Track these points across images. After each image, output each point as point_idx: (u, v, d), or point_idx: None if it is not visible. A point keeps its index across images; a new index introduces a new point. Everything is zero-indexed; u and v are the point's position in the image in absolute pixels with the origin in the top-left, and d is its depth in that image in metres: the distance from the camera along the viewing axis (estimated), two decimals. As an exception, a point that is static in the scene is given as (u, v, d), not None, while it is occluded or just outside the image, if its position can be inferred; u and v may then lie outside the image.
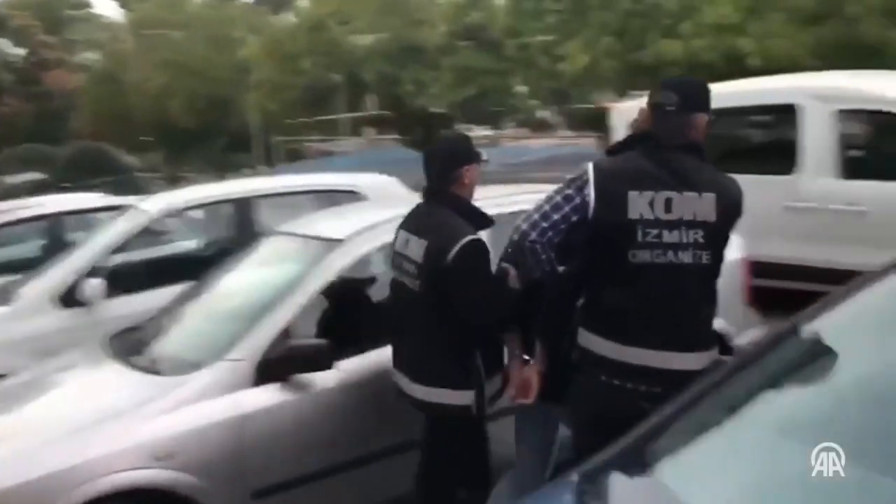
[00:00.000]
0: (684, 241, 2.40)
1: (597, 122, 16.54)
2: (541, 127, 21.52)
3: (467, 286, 2.74)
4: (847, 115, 5.51)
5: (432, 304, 2.79)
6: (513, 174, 17.88)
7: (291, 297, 3.21)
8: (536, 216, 2.38)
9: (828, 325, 1.97)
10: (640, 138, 2.55)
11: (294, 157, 23.40)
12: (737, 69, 12.60)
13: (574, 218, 2.38)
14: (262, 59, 16.68)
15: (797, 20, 12.74)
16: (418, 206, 2.95)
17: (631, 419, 2.01)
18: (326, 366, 3.00)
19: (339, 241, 3.49)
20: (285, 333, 3.09)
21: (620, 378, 2.43)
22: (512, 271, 2.75)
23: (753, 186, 4.06)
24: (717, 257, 2.43)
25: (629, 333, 2.44)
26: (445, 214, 2.80)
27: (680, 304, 2.44)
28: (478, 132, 25.32)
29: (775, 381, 1.99)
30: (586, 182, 2.38)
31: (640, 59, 13.65)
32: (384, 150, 22.16)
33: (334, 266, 3.36)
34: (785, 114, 6.29)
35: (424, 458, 2.98)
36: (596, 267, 2.50)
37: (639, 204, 2.38)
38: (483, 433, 2.91)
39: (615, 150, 2.65)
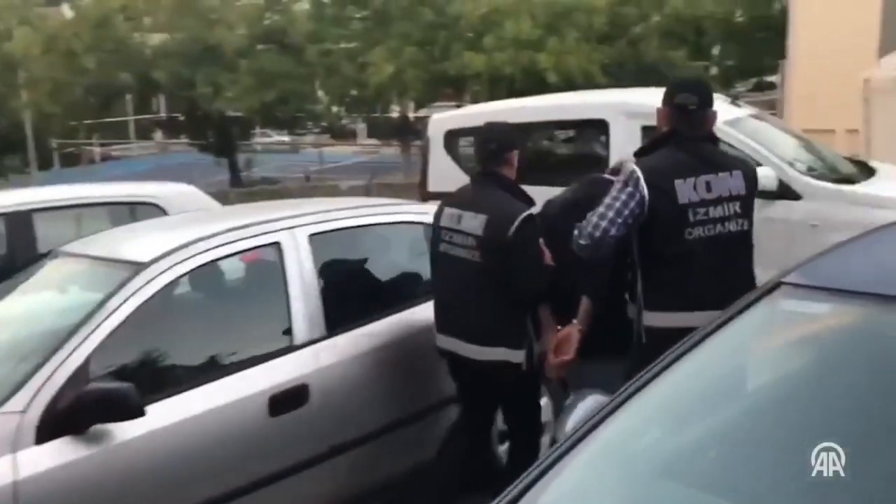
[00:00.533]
0: (727, 213, 2.93)
1: (400, 131, 16.59)
2: (342, 134, 21.22)
3: (525, 256, 3.17)
4: (651, 130, 5.73)
5: (491, 272, 3.20)
6: (320, 180, 17.41)
7: (85, 331, 2.73)
8: (612, 214, 2.85)
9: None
10: (666, 136, 3.05)
11: (70, 162, 21.53)
12: (535, 83, 13.03)
13: (637, 211, 2.86)
14: (36, 55, 15.10)
15: (590, 39, 13.33)
16: (468, 185, 3.49)
17: None
18: (133, 413, 2.58)
19: (143, 264, 3.05)
20: (78, 376, 2.62)
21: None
22: (546, 251, 3.24)
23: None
24: (751, 222, 3.03)
25: (692, 300, 2.84)
26: (499, 192, 3.31)
27: (732, 266, 2.94)
28: (276, 138, 24.58)
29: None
30: (637, 179, 2.88)
31: (444, 70, 13.72)
32: (174, 155, 20.92)
33: (138, 294, 2.91)
34: (596, 128, 6.47)
35: (470, 415, 3.46)
36: (653, 250, 2.95)
37: (685, 190, 2.90)
38: (538, 386, 3.38)
39: (647, 149, 3.14)
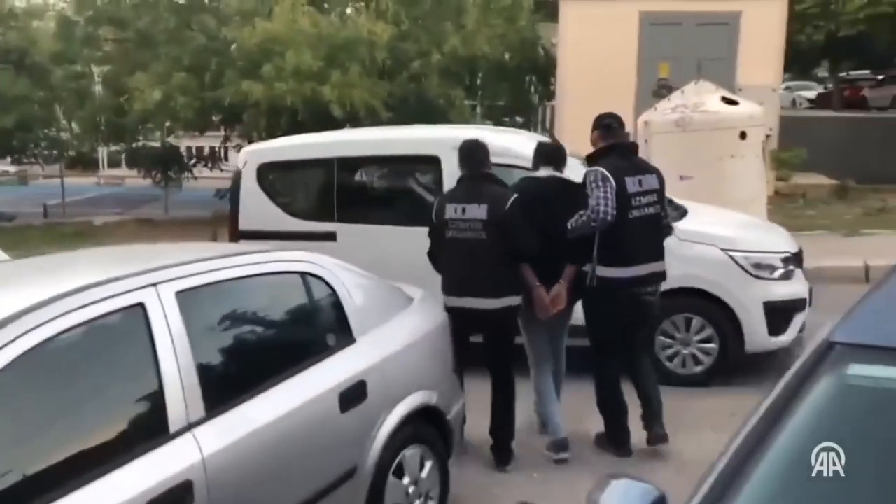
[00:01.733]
0: (651, 201, 4.70)
1: (165, 161, 15.26)
2: (80, 164, 19.18)
3: (518, 225, 4.52)
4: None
5: (497, 243, 4.50)
6: (65, 215, 15.48)
7: None
8: (606, 200, 4.47)
9: None
10: (609, 148, 4.72)
11: None
12: (319, 115, 12.55)
13: (612, 195, 4.51)
14: None
15: (372, 73, 13.11)
16: (462, 184, 4.75)
17: (642, 314, 4.88)
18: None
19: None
20: None
21: (635, 287, 4.74)
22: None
23: (405, 238, 5.52)
24: (664, 208, 4.86)
25: (637, 259, 4.68)
26: (491, 186, 4.66)
27: (655, 235, 4.81)
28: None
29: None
30: (607, 176, 4.51)
31: (218, 98, 12.81)
32: None
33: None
34: (428, 164, 6.16)
35: (492, 350, 4.75)
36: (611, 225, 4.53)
37: (630, 184, 4.60)
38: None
39: (595, 158, 4.75)
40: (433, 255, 4.80)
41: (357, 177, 6.69)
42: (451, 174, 5.88)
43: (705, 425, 5.28)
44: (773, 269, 5.86)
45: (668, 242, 5.86)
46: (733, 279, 5.80)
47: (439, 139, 6.26)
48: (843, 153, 14.15)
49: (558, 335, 5.13)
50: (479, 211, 4.50)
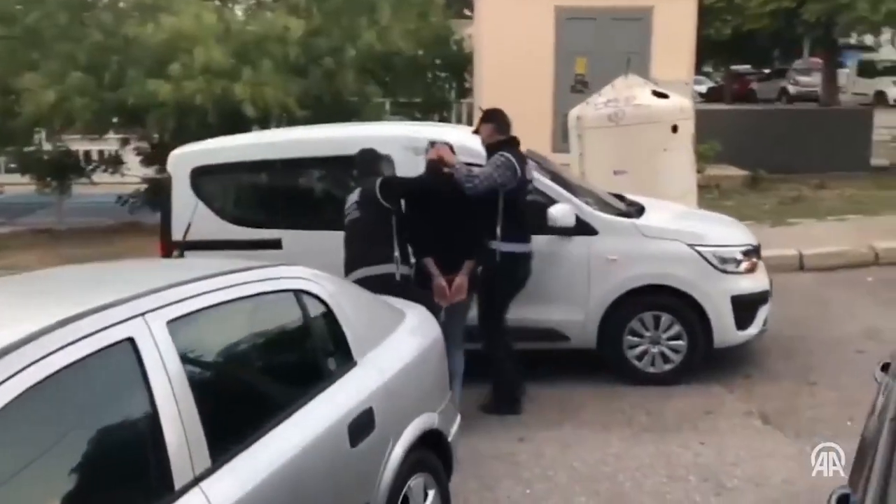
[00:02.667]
0: (531, 187, 5.52)
1: (59, 166, 14.16)
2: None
3: (385, 202, 5.27)
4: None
5: (371, 220, 5.22)
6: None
7: None
8: (487, 179, 5.15)
9: None
10: (506, 141, 5.40)
11: None
12: (230, 115, 11.90)
13: (509, 175, 5.19)
14: None
15: (285, 70, 12.54)
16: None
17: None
18: None
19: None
20: None
21: (529, 260, 5.43)
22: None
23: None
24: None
25: (527, 235, 5.38)
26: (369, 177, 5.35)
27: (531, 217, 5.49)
28: None
29: None
30: (512, 165, 5.19)
31: (120, 98, 11.95)
32: None
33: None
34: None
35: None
36: (510, 205, 5.24)
37: (526, 170, 5.35)
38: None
39: (497, 147, 5.34)
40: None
41: (303, 179, 6.25)
42: (404, 174, 5.55)
43: (686, 427, 5.14)
44: (737, 262, 5.78)
45: (633, 240, 5.75)
46: (701, 275, 5.69)
47: (393, 137, 5.90)
48: (752, 145, 14.50)
49: (454, 323, 5.14)
50: (355, 195, 5.27)
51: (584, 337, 5.79)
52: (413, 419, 3.37)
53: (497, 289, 5.36)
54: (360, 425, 3.01)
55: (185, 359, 2.47)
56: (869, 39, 27.76)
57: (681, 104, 9.27)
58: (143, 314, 2.43)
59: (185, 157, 6.12)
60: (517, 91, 12.64)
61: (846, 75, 26.17)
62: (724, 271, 5.72)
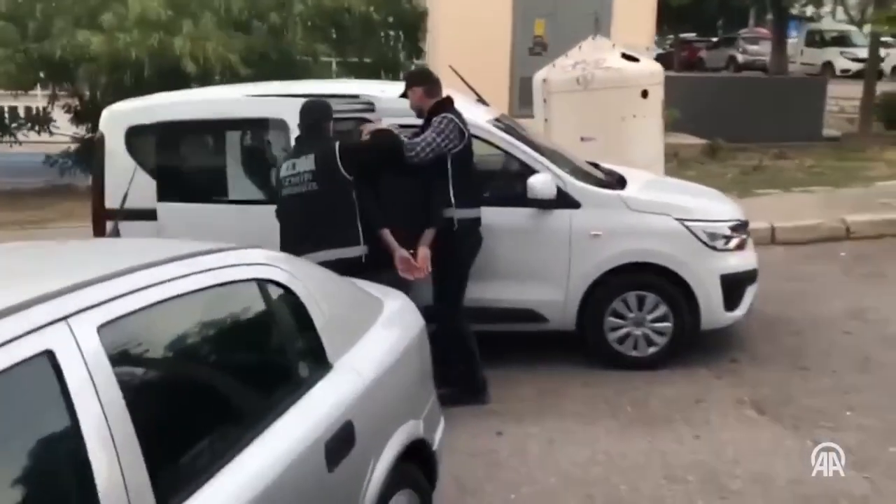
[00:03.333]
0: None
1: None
2: None
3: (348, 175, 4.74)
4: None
5: (329, 193, 4.68)
6: None
7: None
8: (432, 146, 4.72)
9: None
10: (448, 101, 4.96)
11: None
12: (168, 71, 11.07)
13: (455, 138, 4.77)
14: None
15: (226, 25, 11.72)
16: (296, 143, 4.86)
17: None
18: None
19: None
20: None
21: (478, 226, 4.98)
22: None
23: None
24: None
25: (478, 199, 4.99)
26: (320, 141, 4.75)
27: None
28: None
29: None
30: (458, 127, 4.79)
31: (46, 51, 11.00)
32: None
33: None
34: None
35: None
36: (461, 168, 4.83)
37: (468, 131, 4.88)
38: None
39: (439, 109, 4.88)
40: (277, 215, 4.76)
41: (253, 141, 5.59)
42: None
43: (677, 418, 4.73)
44: (727, 238, 5.35)
45: (618, 214, 5.28)
46: (690, 252, 5.24)
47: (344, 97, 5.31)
48: (707, 114, 14.19)
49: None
50: (307, 162, 4.56)
51: (564, 318, 5.32)
52: (396, 430, 2.84)
53: (457, 260, 4.89)
54: (339, 443, 2.47)
55: (121, 376, 1.89)
56: (810, 10, 27.88)
57: (651, 68, 8.80)
58: (65, 318, 1.85)
59: (119, 116, 5.40)
60: (473, 53, 11.99)
61: (793, 45, 26.16)
62: (714, 248, 5.29)
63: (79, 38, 10.75)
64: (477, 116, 5.37)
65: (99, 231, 5.36)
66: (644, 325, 5.32)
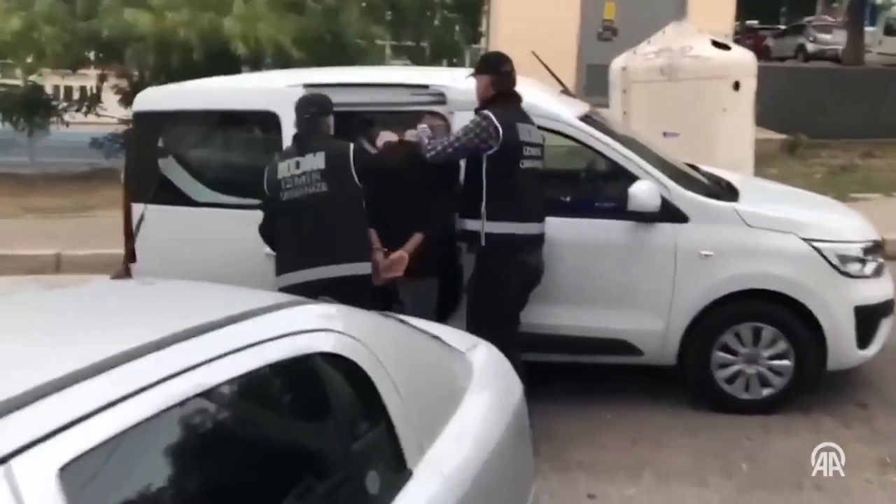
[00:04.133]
0: (537, 154, 4.12)
1: (30, 104, 12.56)
2: None
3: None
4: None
5: (341, 194, 3.97)
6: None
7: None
8: (454, 146, 4.00)
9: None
10: (505, 96, 4.10)
11: None
12: (218, 53, 10.38)
13: (486, 138, 3.92)
14: None
15: (280, 6, 10.98)
16: (294, 141, 4.11)
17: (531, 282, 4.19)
18: None
19: None
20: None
21: (528, 247, 4.09)
22: None
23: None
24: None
25: (531, 215, 4.10)
26: (327, 137, 4.09)
27: (541, 194, 4.18)
28: None
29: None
30: (492, 123, 3.90)
31: (94, 29, 10.37)
32: None
33: None
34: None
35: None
36: (499, 174, 3.97)
37: (522, 131, 4.01)
38: None
39: (486, 105, 4.08)
40: (266, 231, 4.07)
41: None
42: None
43: (806, 483, 3.85)
44: (861, 262, 4.44)
45: (733, 230, 4.40)
46: (819, 278, 4.33)
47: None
48: (786, 106, 13.06)
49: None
50: (315, 160, 3.87)
51: (663, 351, 4.46)
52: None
53: (489, 282, 4.03)
54: None
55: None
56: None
57: (744, 57, 7.85)
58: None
59: (156, 99, 4.67)
60: (537, 37, 10.98)
61: (871, 34, 24.56)
62: (847, 274, 4.37)
63: (126, 17, 10.09)
64: (562, 111, 4.53)
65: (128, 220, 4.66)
66: (759, 363, 4.43)
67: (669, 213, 4.31)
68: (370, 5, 11.68)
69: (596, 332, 4.43)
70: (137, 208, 4.50)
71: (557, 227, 4.30)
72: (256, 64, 10.76)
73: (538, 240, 4.10)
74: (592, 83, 11.32)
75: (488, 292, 4.03)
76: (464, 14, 13.81)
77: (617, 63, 8.05)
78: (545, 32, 11.60)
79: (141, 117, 4.53)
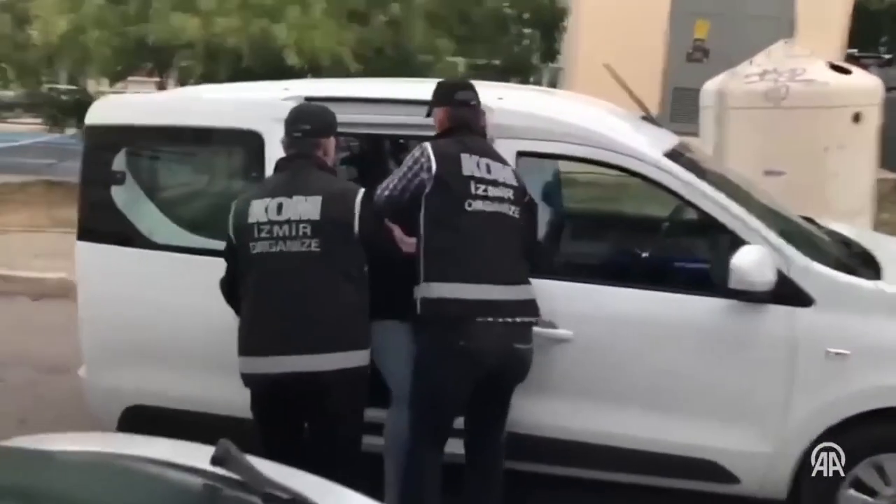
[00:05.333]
0: (504, 196, 2.96)
1: (79, 110, 11.92)
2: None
3: (380, 238, 3.00)
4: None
5: (339, 260, 2.82)
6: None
7: None
8: (392, 186, 2.95)
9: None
10: (453, 129, 3.06)
11: None
12: (270, 62, 9.46)
13: (424, 177, 2.89)
14: None
15: (339, 14, 10.01)
16: (279, 172, 2.99)
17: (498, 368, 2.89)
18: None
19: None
20: None
21: (480, 316, 2.82)
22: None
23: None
24: (522, 212, 3.04)
25: (481, 272, 2.89)
26: (324, 174, 2.96)
27: (510, 245, 2.98)
28: None
29: None
30: (425, 148, 2.94)
31: (142, 34, 9.61)
32: None
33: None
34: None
35: (329, 446, 2.87)
36: (436, 217, 2.90)
37: (468, 163, 2.93)
38: None
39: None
40: (229, 289, 3.00)
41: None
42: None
43: None
44: None
45: (878, 321, 3.07)
46: None
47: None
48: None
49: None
50: (306, 206, 2.81)
51: (768, 481, 3.14)
52: None
53: (423, 368, 2.93)
54: None
55: None
56: None
57: (867, 84, 6.41)
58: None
59: (112, 111, 3.60)
60: (619, 56, 9.63)
61: None
62: None
63: (173, 22, 9.28)
64: (642, 144, 3.30)
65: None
66: (905, 508, 3.09)
67: (787, 292, 3.00)
68: (438, 17, 10.62)
69: (675, 449, 3.17)
70: (84, 248, 3.47)
71: (622, 301, 3.11)
72: (312, 76, 9.82)
73: (496, 309, 2.85)
74: (679, 108, 10.02)
75: (423, 380, 2.93)
76: (541, 31, 12.61)
77: (711, 86, 6.72)
78: (628, 51, 10.33)
79: (93, 132, 3.50)
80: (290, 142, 2.95)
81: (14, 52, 10.89)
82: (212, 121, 3.40)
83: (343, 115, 3.27)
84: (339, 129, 3.42)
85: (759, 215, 3.19)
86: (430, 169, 2.88)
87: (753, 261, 2.93)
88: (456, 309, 2.81)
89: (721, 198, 3.12)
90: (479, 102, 3.10)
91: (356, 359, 2.81)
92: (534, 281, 3.05)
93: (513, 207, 2.96)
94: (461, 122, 3.03)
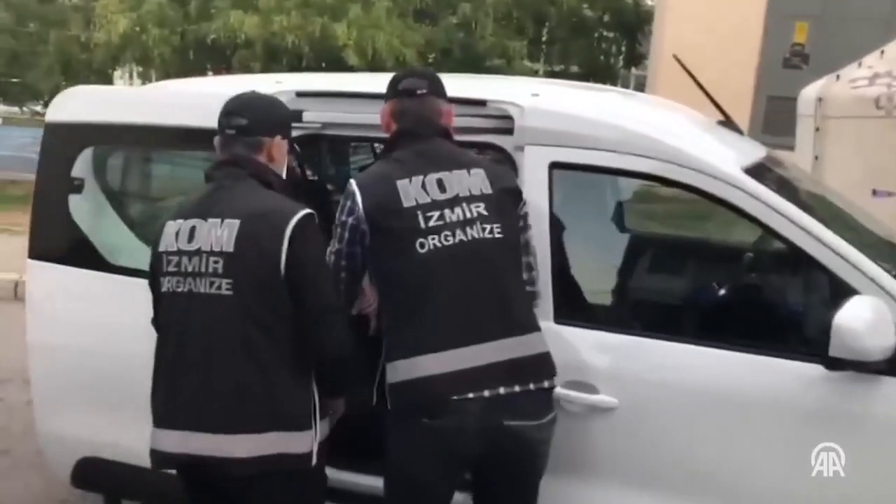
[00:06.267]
0: (468, 216, 2.15)
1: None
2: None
3: (322, 277, 2.17)
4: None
5: (262, 309, 2.04)
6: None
7: None
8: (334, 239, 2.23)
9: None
10: (393, 138, 2.33)
11: None
12: (329, 61, 8.99)
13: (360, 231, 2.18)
14: None
15: (405, 14, 9.48)
16: (207, 184, 2.23)
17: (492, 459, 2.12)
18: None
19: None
20: None
21: (454, 395, 2.07)
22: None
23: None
24: (508, 228, 2.19)
25: (450, 335, 2.11)
26: (262, 190, 2.18)
27: (492, 284, 2.16)
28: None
29: None
30: (352, 193, 2.20)
31: (202, 32, 9.30)
32: None
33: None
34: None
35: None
36: (383, 273, 2.21)
37: (409, 192, 2.16)
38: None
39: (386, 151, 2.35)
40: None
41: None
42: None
43: None
44: None
45: None
46: None
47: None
48: None
49: None
50: (220, 234, 2.03)
51: None
52: None
53: (392, 463, 2.19)
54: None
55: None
56: None
57: None
58: None
59: (78, 105, 3.04)
60: (708, 61, 8.81)
61: None
62: None
63: (231, 20, 8.92)
64: (714, 155, 2.49)
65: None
66: None
67: (913, 364, 2.17)
68: (509, 17, 9.96)
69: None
70: (35, 268, 2.92)
71: (680, 360, 2.32)
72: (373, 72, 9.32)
73: (474, 381, 2.07)
74: (774, 119, 9.05)
75: (388, 479, 2.24)
76: (624, 34, 11.77)
77: (810, 92, 5.78)
78: (718, 57, 9.39)
79: (53, 130, 2.94)
80: (221, 142, 2.22)
81: (81, 52, 10.79)
82: (193, 119, 2.78)
83: (343, 115, 2.65)
84: (338, 131, 2.81)
85: (875, 254, 2.36)
86: (353, 209, 2.15)
87: (866, 320, 2.10)
88: (424, 391, 2.08)
89: (820, 229, 2.30)
90: (435, 91, 2.32)
91: (287, 444, 2.03)
92: (566, 330, 2.32)
93: (490, 225, 2.16)
94: (407, 120, 2.28)
